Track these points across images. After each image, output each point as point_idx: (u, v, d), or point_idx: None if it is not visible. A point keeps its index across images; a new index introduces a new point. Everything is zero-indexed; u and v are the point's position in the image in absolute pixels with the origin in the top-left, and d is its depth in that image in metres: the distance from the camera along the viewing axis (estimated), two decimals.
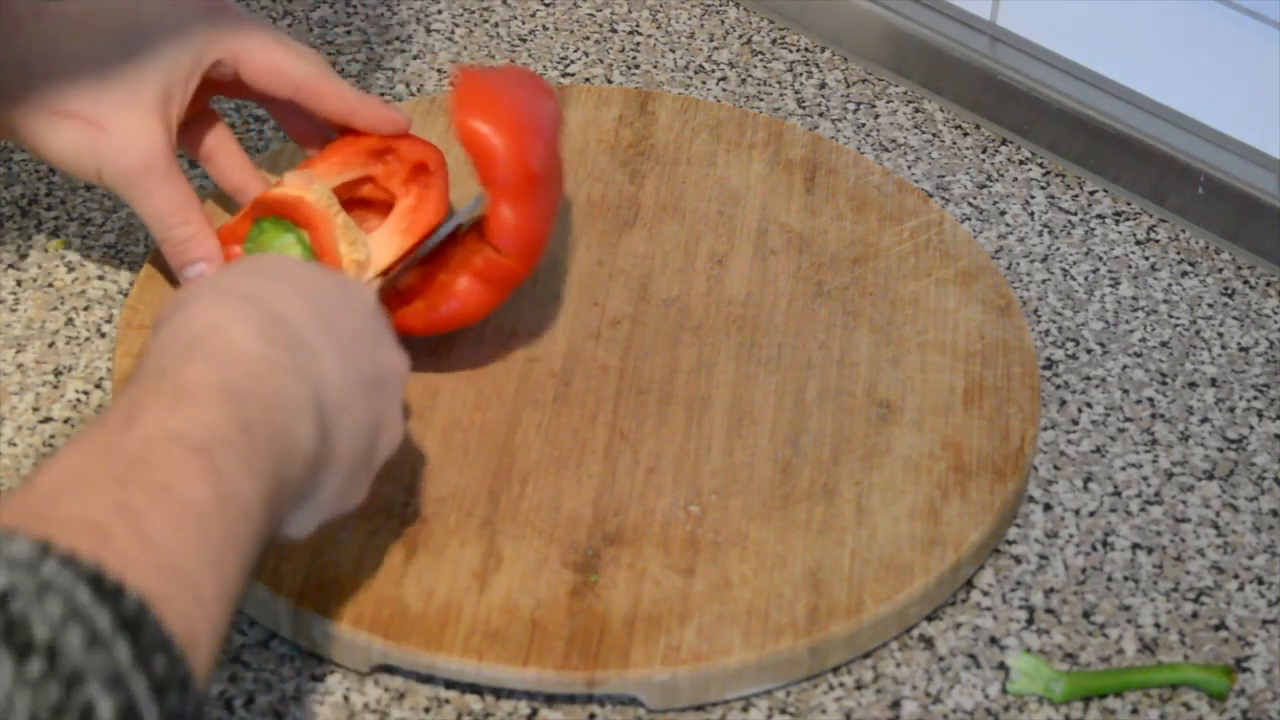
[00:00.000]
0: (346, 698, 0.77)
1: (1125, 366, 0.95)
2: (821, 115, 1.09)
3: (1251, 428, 0.92)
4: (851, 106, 1.10)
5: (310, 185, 0.86)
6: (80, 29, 0.84)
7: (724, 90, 1.11)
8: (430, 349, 0.88)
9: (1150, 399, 0.93)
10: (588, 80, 1.11)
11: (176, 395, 0.61)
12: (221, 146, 0.91)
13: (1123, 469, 0.89)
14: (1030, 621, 0.82)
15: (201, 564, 0.57)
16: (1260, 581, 0.84)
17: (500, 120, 0.83)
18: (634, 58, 1.13)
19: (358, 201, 0.90)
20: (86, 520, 0.55)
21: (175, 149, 0.85)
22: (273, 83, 0.87)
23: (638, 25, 1.16)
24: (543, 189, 0.84)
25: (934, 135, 1.08)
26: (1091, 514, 0.87)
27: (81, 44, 0.84)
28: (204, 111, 0.90)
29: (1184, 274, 1.01)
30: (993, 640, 0.81)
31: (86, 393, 0.89)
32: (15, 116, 0.84)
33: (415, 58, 1.11)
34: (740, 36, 1.15)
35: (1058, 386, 0.93)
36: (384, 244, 0.87)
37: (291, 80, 0.87)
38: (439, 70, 1.10)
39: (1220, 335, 0.97)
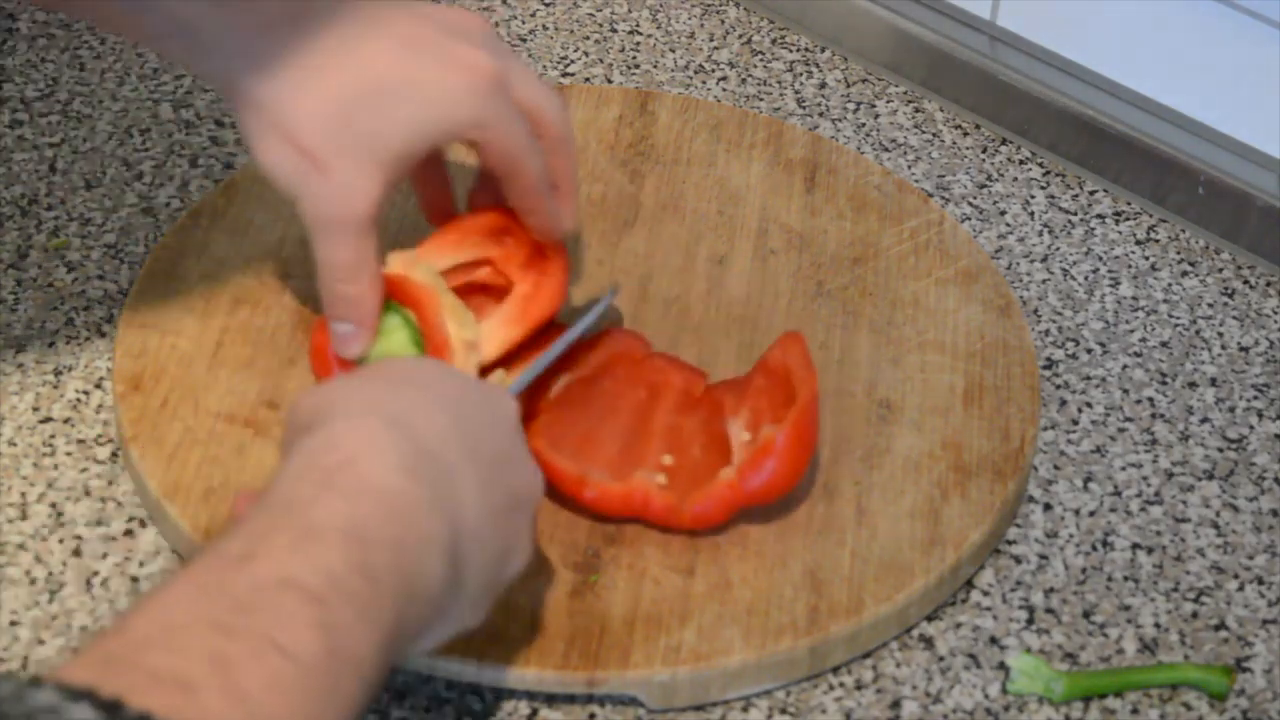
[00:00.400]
0: None
1: (1125, 366, 0.95)
2: (821, 115, 1.09)
3: (1251, 428, 0.92)
4: (851, 106, 1.10)
5: (415, 264, 0.83)
6: (334, 53, 0.78)
7: (724, 90, 1.11)
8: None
9: (1150, 399, 0.93)
10: (588, 80, 1.11)
11: (301, 536, 0.58)
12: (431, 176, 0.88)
13: (1123, 469, 0.89)
14: (1030, 621, 0.82)
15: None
16: (1260, 581, 0.84)
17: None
18: (634, 58, 1.13)
19: (475, 287, 0.86)
20: (174, 673, 0.51)
21: (385, 208, 0.80)
22: (502, 172, 0.82)
23: (638, 25, 1.16)
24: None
25: (934, 135, 1.08)
26: (1091, 514, 0.87)
27: (330, 76, 0.78)
28: None
29: (1184, 274, 1.01)
30: (993, 640, 0.81)
31: (86, 393, 0.89)
32: (244, 115, 0.79)
33: None
34: (740, 36, 1.15)
35: (1058, 386, 0.93)
36: (495, 333, 0.83)
37: (523, 178, 0.82)
38: None
39: (1220, 335, 0.97)
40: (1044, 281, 0.99)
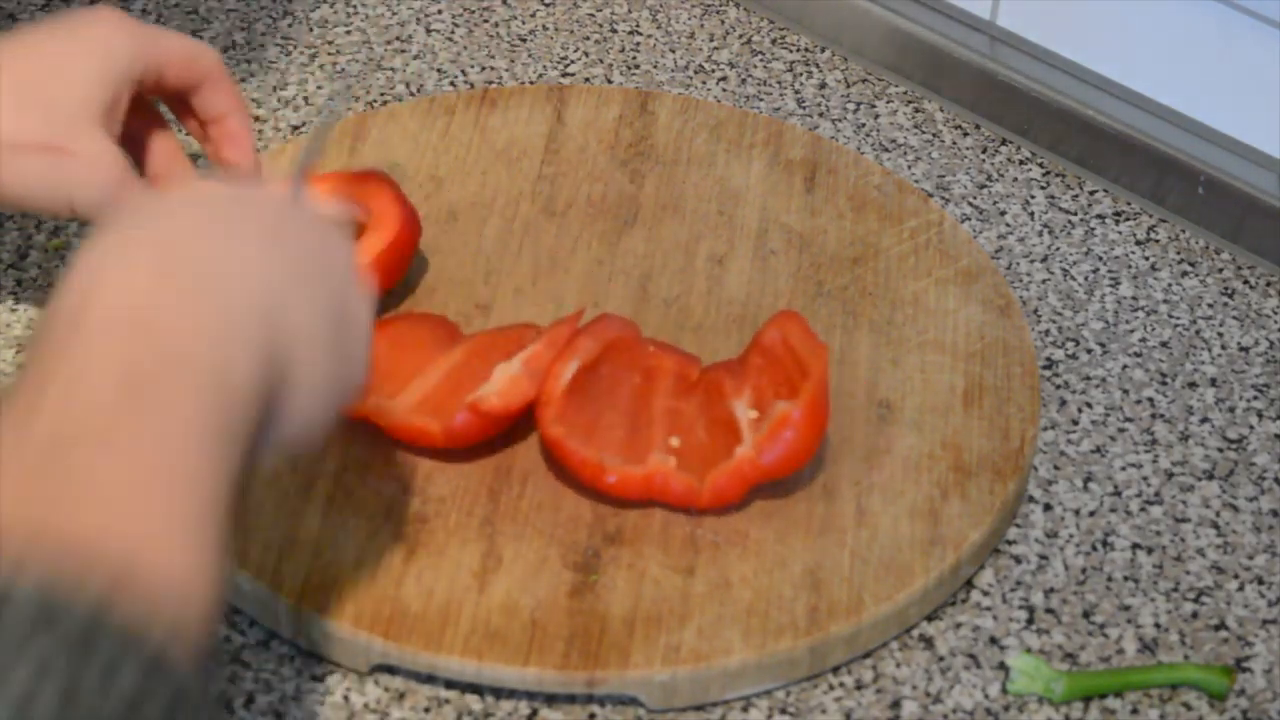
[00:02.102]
0: (346, 698, 0.77)
1: (1125, 366, 0.95)
2: (821, 115, 1.09)
3: (1251, 428, 0.92)
4: (851, 106, 1.10)
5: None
6: (12, 58, 0.84)
7: (724, 90, 1.11)
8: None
9: (1150, 399, 0.93)
10: (588, 80, 1.11)
11: (70, 384, 0.56)
12: (155, 137, 0.91)
13: (1123, 469, 0.89)
14: (1030, 621, 0.82)
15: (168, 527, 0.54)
16: (1260, 581, 0.84)
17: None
18: (634, 58, 1.13)
19: None
20: (34, 520, 0.52)
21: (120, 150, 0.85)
22: (187, 74, 0.87)
23: (638, 25, 1.16)
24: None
25: (934, 135, 1.08)
26: (1091, 514, 0.87)
27: (20, 73, 0.83)
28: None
29: (1184, 274, 1.01)
30: (993, 640, 0.81)
31: None
32: None
33: (415, 58, 1.11)
34: (740, 36, 1.15)
35: (1058, 386, 0.93)
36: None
37: (202, 68, 0.88)
38: (439, 70, 1.10)
39: (1220, 335, 0.97)
40: (1044, 281, 0.99)
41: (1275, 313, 0.98)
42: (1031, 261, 1.00)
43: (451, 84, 1.09)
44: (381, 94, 1.08)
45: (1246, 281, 1.00)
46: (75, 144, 0.83)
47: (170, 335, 0.59)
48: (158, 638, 0.52)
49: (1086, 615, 0.82)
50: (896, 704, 0.78)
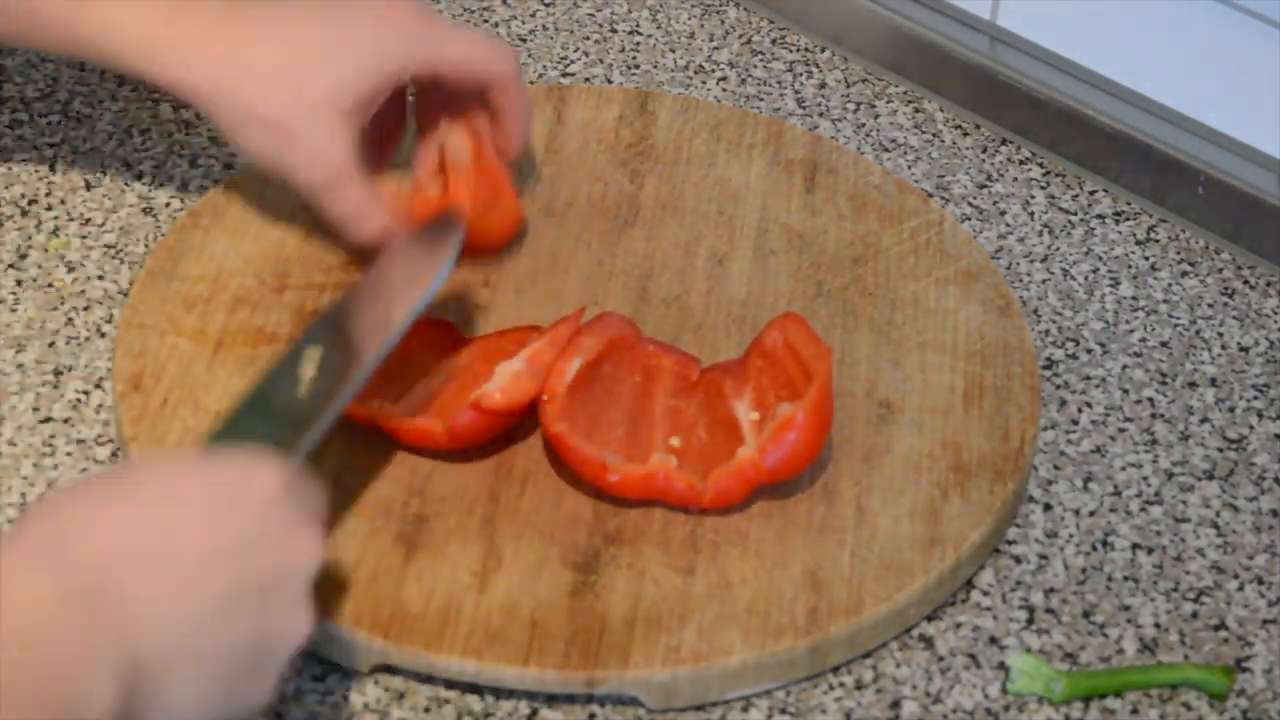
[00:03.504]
0: (346, 698, 0.77)
1: (1125, 366, 0.95)
2: (821, 115, 1.09)
3: (1251, 428, 0.92)
4: (851, 106, 1.10)
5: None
6: (271, 37, 0.86)
7: (724, 90, 1.11)
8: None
9: (1150, 399, 0.93)
10: (588, 80, 1.11)
11: None
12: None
13: (1123, 469, 0.89)
14: (1030, 621, 0.82)
15: None
16: (1260, 581, 0.84)
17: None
18: (634, 58, 1.13)
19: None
20: None
21: (359, 150, 0.87)
22: (468, 79, 0.90)
23: (638, 25, 1.16)
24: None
25: (934, 135, 1.08)
26: (1091, 514, 0.87)
27: (280, 50, 0.86)
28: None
29: (1184, 274, 1.01)
30: (993, 640, 0.81)
31: (86, 393, 0.89)
32: (215, 115, 0.87)
33: None
34: (740, 36, 1.15)
35: (1058, 386, 0.93)
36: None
37: (486, 74, 0.90)
38: None
39: (1220, 335, 0.97)
40: (1044, 281, 0.99)
41: (1275, 313, 0.98)
42: (1031, 261, 1.00)
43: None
44: None
45: (1246, 281, 1.00)
46: (307, 132, 0.85)
47: (51, 654, 0.57)
48: None
49: (1086, 615, 0.82)
50: (896, 704, 0.78)
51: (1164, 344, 0.96)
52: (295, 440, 0.74)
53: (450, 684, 0.77)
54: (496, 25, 1.15)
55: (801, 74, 1.12)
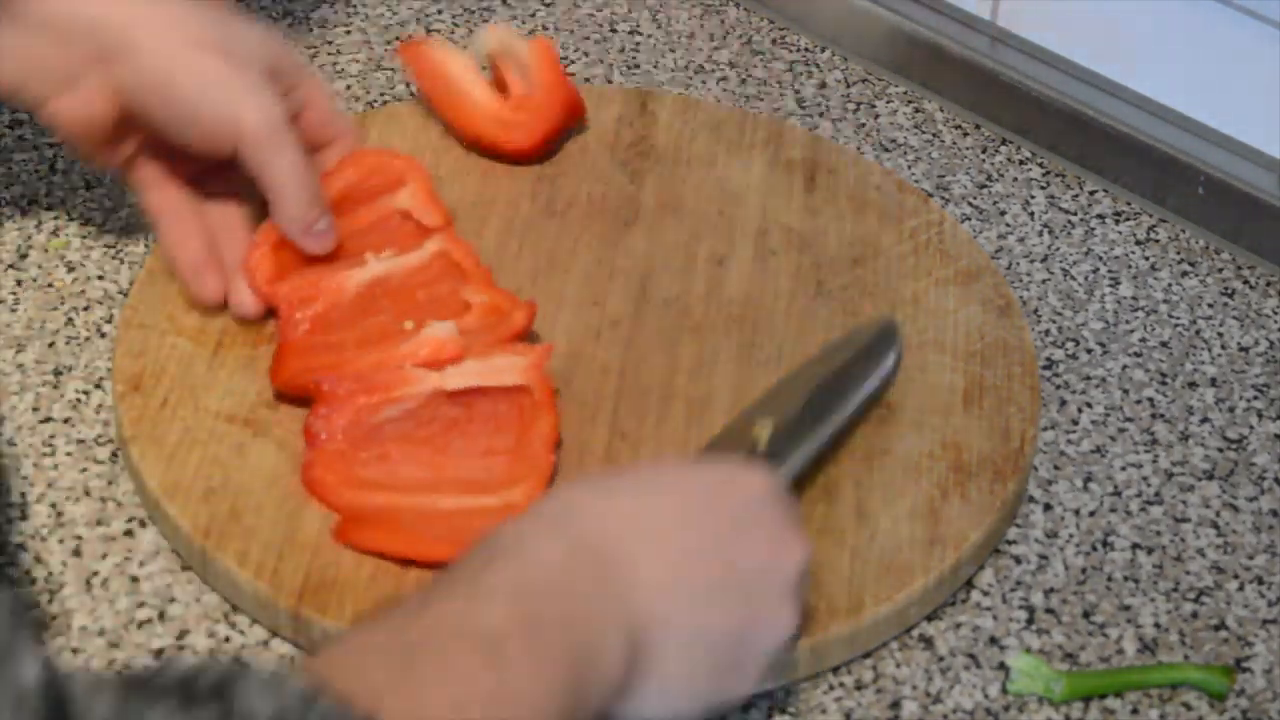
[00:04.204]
0: None
1: (1125, 366, 0.95)
2: (821, 115, 1.09)
3: (1251, 428, 0.92)
4: (851, 106, 1.10)
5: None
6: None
7: (724, 90, 1.11)
8: None
9: (1150, 399, 0.93)
10: (588, 80, 1.11)
11: (471, 593, 0.63)
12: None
13: (1123, 469, 0.89)
14: (1030, 621, 0.82)
15: None
16: (1260, 581, 0.84)
17: None
18: (634, 58, 1.13)
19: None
20: (363, 688, 0.57)
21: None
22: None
23: (638, 25, 1.16)
24: None
25: (934, 135, 1.08)
26: (1091, 514, 0.87)
27: (209, 12, 0.87)
28: None
29: (1184, 274, 1.01)
30: (993, 640, 0.81)
31: (86, 393, 0.89)
32: (153, 56, 0.85)
33: None
34: (740, 36, 1.15)
35: (1058, 386, 0.93)
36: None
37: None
38: None
39: (1220, 335, 0.97)
40: (1044, 281, 0.99)
41: (1275, 313, 0.98)
42: (1031, 261, 1.00)
43: None
44: (381, 94, 1.08)
45: (1246, 281, 1.00)
46: (253, 80, 0.86)
47: (571, 605, 0.64)
48: None
49: (1086, 615, 0.82)
50: (896, 704, 0.78)
51: (1164, 344, 0.96)
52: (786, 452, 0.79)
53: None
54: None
55: (801, 74, 1.12)
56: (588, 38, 1.14)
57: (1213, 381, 0.94)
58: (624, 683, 0.65)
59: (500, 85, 1.01)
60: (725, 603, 0.68)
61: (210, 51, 0.85)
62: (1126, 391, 0.93)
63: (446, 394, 0.82)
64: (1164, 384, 0.94)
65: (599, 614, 0.65)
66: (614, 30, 1.15)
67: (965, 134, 1.09)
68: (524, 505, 0.78)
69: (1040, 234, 1.02)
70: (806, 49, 1.15)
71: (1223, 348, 0.96)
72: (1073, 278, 1.00)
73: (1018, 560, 0.84)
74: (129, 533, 0.82)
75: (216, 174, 0.90)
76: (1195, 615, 0.83)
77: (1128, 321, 0.97)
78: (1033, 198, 1.05)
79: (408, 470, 0.81)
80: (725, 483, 0.71)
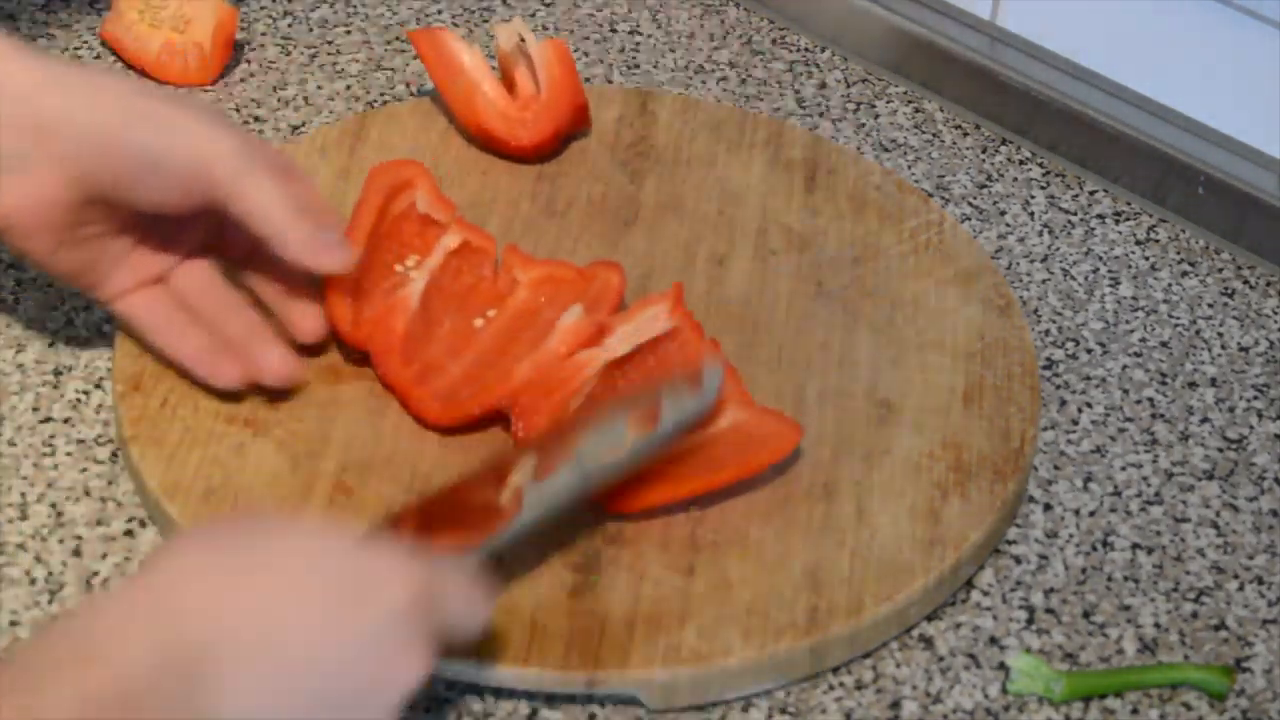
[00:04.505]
0: None
1: (1125, 366, 0.95)
2: (821, 115, 1.09)
3: (1251, 428, 0.92)
4: (851, 106, 1.10)
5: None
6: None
7: (724, 90, 1.11)
8: None
9: (1150, 399, 0.93)
10: (588, 80, 1.11)
11: (29, 702, 0.57)
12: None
13: (1123, 469, 0.89)
14: (1030, 621, 0.82)
15: None
16: (1260, 581, 0.84)
17: None
18: (634, 58, 1.13)
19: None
20: None
21: None
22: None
23: (638, 25, 1.16)
24: None
25: (934, 135, 1.08)
26: (1091, 514, 0.87)
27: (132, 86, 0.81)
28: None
29: (1184, 274, 1.01)
30: (993, 640, 0.81)
31: (86, 393, 0.89)
32: (93, 112, 0.79)
33: (415, 58, 1.11)
34: (740, 36, 1.15)
35: (1058, 386, 0.93)
36: None
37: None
38: None
39: (1220, 335, 0.97)
40: (1044, 281, 0.99)
41: (1275, 313, 0.98)
42: (1031, 261, 1.00)
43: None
44: (381, 94, 1.08)
45: (1246, 281, 1.00)
46: (202, 111, 0.80)
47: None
48: None
49: (1086, 615, 0.82)
50: (896, 704, 0.78)
51: (1164, 344, 0.96)
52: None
53: (450, 684, 0.77)
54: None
55: (801, 74, 1.12)
56: (588, 38, 1.14)
57: (1213, 381, 0.94)
58: None
59: (508, 82, 1.01)
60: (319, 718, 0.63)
61: (156, 98, 0.80)
62: (1126, 391, 0.93)
63: (616, 364, 0.84)
64: (1164, 384, 0.94)
65: None
66: (614, 30, 1.15)
67: (965, 134, 1.09)
68: (745, 423, 0.83)
69: (1040, 234, 1.02)
70: (806, 49, 1.15)
71: (1223, 348, 0.96)
72: (1073, 278, 1.00)
73: (1018, 560, 0.84)
74: (129, 533, 0.82)
75: (184, 259, 0.85)
76: (1195, 615, 0.83)
77: (1128, 321, 0.97)
78: (1033, 198, 1.05)
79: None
80: (360, 590, 0.64)
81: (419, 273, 0.88)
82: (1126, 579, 0.84)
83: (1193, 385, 0.94)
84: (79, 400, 0.89)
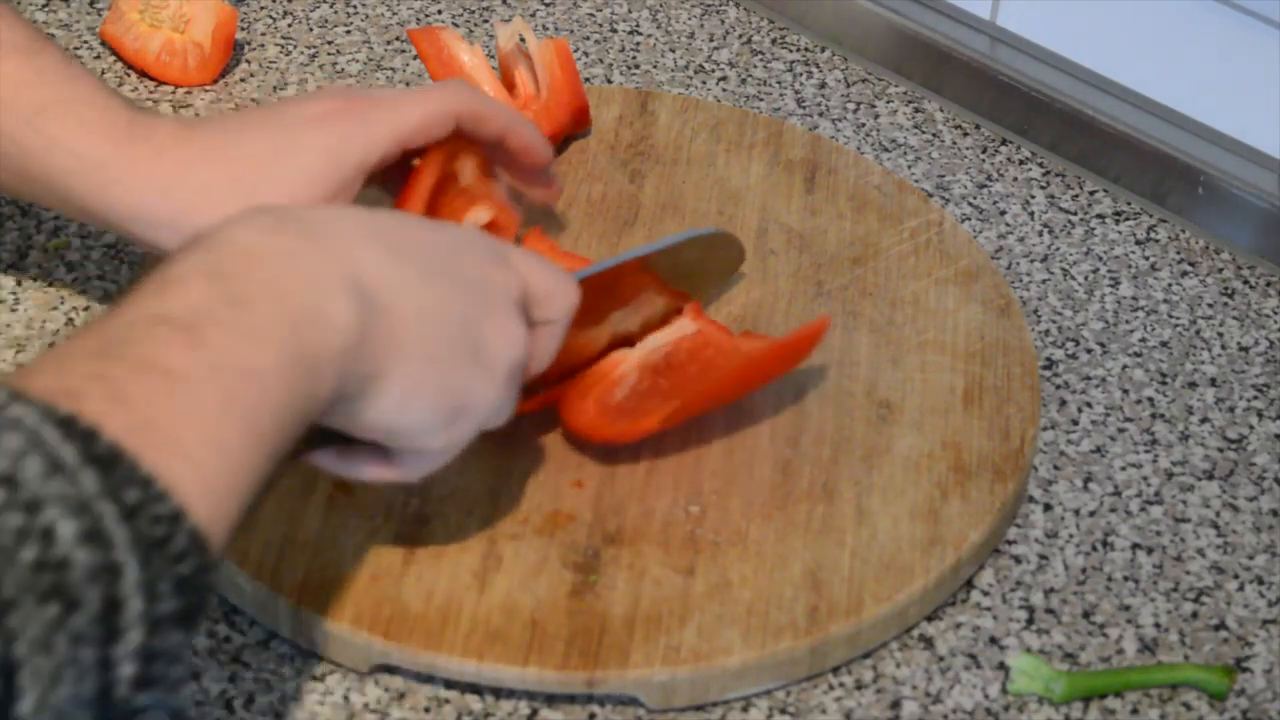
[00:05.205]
0: (346, 698, 0.77)
1: (1125, 366, 0.95)
2: (821, 115, 1.09)
3: (1251, 428, 0.92)
4: (851, 106, 1.10)
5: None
6: (220, 154, 0.83)
7: (724, 90, 1.11)
8: None
9: (1150, 399, 0.93)
10: (588, 80, 1.11)
11: (163, 283, 0.61)
12: None
13: (1123, 469, 0.89)
14: (1030, 621, 0.82)
15: (189, 426, 0.57)
16: (1260, 581, 0.84)
17: None
18: (634, 58, 1.13)
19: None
20: (61, 388, 0.55)
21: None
22: (438, 134, 0.86)
23: (638, 25, 1.16)
24: None
25: (934, 135, 1.08)
26: (1091, 514, 0.87)
27: (231, 166, 0.83)
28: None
29: (1184, 274, 1.01)
30: (993, 640, 0.81)
31: None
32: (163, 242, 0.82)
33: (415, 58, 1.11)
34: (740, 36, 1.15)
35: (1058, 386, 0.93)
36: None
37: (449, 123, 0.86)
38: None
39: (1220, 335, 0.97)
40: (1044, 281, 0.99)
41: (1275, 313, 0.98)
42: (1031, 261, 1.00)
43: None
44: None
45: (1246, 281, 1.00)
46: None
47: (268, 277, 0.62)
48: (173, 505, 0.55)
49: (1086, 615, 0.82)
50: (896, 704, 0.78)
51: (1164, 344, 0.96)
52: None
53: (450, 684, 0.77)
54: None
55: (801, 74, 1.12)
56: (588, 38, 1.14)
57: (1213, 381, 0.94)
58: (360, 345, 0.64)
59: (508, 82, 1.01)
60: (452, 282, 0.68)
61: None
62: (1126, 391, 0.93)
63: (652, 367, 0.85)
64: (1164, 384, 0.94)
65: (313, 273, 0.63)
66: (614, 30, 1.15)
67: (965, 134, 1.09)
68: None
69: (1040, 234, 1.02)
70: (806, 49, 1.15)
71: (1223, 348, 0.96)
72: (1073, 278, 1.00)
73: (1018, 560, 0.84)
74: None
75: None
76: (1195, 615, 0.83)
77: (1128, 321, 0.97)
78: (1033, 198, 1.05)
79: (666, 406, 0.83)
80: (486, 250, 0.72)
81: None
82: (1126, 579, 0.84)
83: (1193, 385, 0.94)
84: None
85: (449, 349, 0.68)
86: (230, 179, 0.82)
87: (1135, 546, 0.85)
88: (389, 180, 0.88)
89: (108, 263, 0.96)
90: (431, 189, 0.86)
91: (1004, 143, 1.08)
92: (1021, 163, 1.07)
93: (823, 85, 1.12)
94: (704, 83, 1.11)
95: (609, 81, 1.11)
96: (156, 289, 0.61)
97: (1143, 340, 0.96)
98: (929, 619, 0.81)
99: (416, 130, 0.84)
